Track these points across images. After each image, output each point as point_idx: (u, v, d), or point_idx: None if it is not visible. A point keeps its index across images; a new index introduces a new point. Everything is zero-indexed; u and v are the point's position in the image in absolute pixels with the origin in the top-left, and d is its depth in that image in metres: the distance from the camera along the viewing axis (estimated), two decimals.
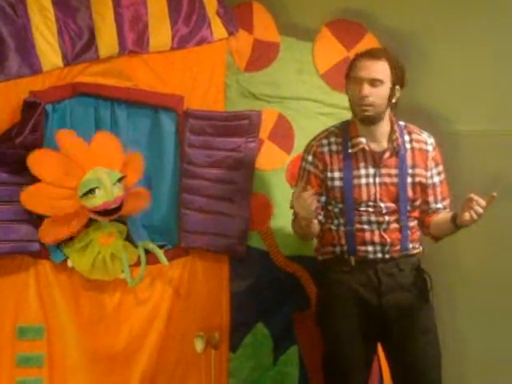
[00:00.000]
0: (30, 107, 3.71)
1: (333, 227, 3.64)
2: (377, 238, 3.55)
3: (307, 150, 3.70)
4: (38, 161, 3.72)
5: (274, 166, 4.10)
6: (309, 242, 3.86)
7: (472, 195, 3.36)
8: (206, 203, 3.97)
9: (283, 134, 4.10)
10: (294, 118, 4.11)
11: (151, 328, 3.96)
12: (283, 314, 4.06)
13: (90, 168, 3.76)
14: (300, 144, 4.06)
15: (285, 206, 3.80)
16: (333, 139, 3.63)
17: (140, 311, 3.97)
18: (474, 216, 3.37)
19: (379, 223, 3.55)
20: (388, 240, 3.54)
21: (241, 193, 3.98)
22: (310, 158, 3.67)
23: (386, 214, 3.55)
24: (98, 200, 3.72)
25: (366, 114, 3.50)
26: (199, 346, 3.87)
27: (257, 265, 4.05)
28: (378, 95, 3.48)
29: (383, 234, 3.55)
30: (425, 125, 3.77)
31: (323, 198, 3.65)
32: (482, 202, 3.34)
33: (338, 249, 3.63)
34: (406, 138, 3.62)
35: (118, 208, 3.77)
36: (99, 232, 3.84)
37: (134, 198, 3.85)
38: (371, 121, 3.53)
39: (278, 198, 4.05)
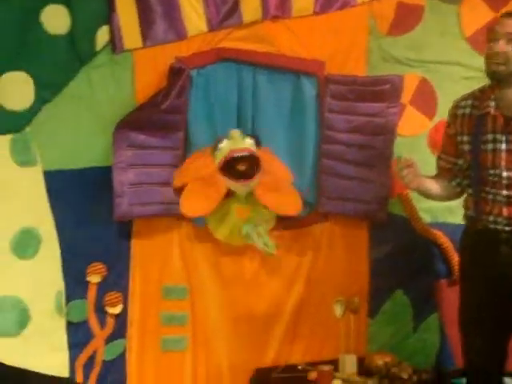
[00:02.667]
0: (175, 72, 3.79)
1: (470, 191, 3.55)
2: (496, 210, 3.38)
3: (448, 111, 3.61)
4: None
5: (416, 131, 4.03)
6: (453, 209, 3.82)
7: None
8: (346, 169, 3.96)
9: (426, 98, 4.02)
10: (437, 82, 4.01)
11: (290, 292, 4.03)
12: (423, 282, 4.01)
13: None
14: (443, 109, 3.96)
15: (426, 172, 3.74)
16: (470, 101, 3.48)
17: (279, 275, 4.03)
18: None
19: (498, 195, 3.37)
20: (505, 213, 3.35)
21: (381, 158, 3.94)
22: (448, 118, 3.59)
23: (508, 186, 3.35)
24: (225, 149, 3.77)
25: (496, 69, 3.31)
26: (338, 310, 3.88)
27: (397, 231, 4.01)
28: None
29: (503, 206, 3.36)
30: None
31: (460, 161, 3.56)
32: None
33: (469, 213, 3.52)
34: None
35: (250, 173, 3.79)
36: (236, 204, 3.90)
37: (281, 195, 3.88)
38: (501, 79, 3.33)
39: (419, 164, 3.94)
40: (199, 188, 3.82)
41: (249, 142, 3.83)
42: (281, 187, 3.89)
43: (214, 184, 3.82)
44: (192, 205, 3.83)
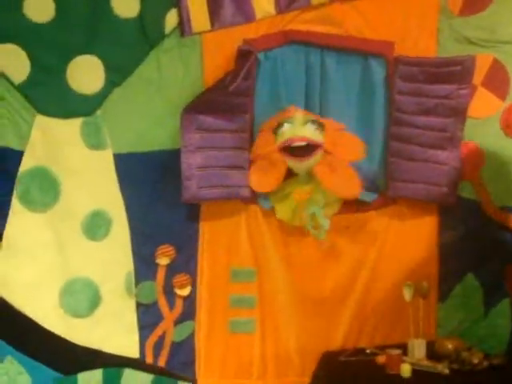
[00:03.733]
0: (243, 55, 3.79)
1: None
2: None
3: None
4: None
5: (487, 113, 3.92)
6: None
7: None
8: (415, 151, 3.89)
9: (498, 79, 3.90)
10: (510, 62, 3.92)
11: (359, 275, 4.00)
12: (495, 266, 3.92)
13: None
14: None
15: (497, 155, 3.67)
16: None
17: (346, 259, 4.00)
18: None
19: None
20: None
21: (452, 141, 3.86)
22: None
23: None
24: (286, 135, 3.76)
25: None
26: (407, 294, 3.84)
27: (467, 215, 3.93)
28: None
29: None
30: None
31: None
32: None
33: None
34: None
35: (306, 152, 3.77)
36: (296, 186, 3.89)
37: (341, 176, 3.82)
38: None
39: (491, 147, 3.89)
40: (264, 165, 3.84)
41: (310, 129, 3.79)
42: (341, 168, 3.83)
43: (275, 162, 3.83)
44: (258, 181, 3.86)
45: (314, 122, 3.81)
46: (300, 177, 3.89)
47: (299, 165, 3.84)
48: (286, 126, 3.79)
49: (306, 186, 3.89)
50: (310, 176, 3.88)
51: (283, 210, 3.92)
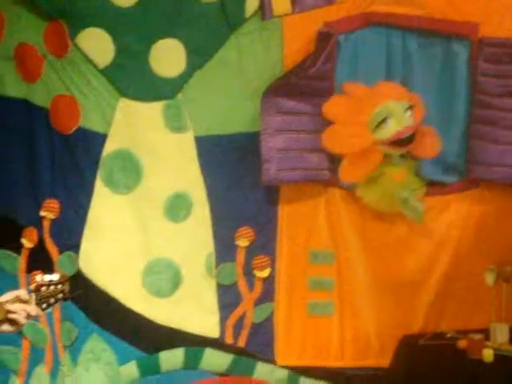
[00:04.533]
0: (323, 38, 3.78)
1: None
2: None
3: None
4: (331, 106, 3.77)
5: None
6: None
7: None
8: (498, 134, 3.83)
9: None
10: None
11: (439, 259, 3.96)
12: None
13: (378, 104, 3.76)
14: None
15: None
16: None
17: (427, 242, 3.97)
18: None
19: None
20: None
21: None
22: None
23: None
24: (391, 129, 3.72)
25: None
26: (490, 279, 3.79)
27: None
28: None
29: None
30: None
31: None
32: None
33: None
34: None
35: (410, 139, 3.75)
36: (392, 167, 3.85)
37: (425, 139, 3.80)
38: None
39: None
40: (356, 159, 3.79)
41: (409, 117, 3.74)
42: (421, 130, 3.81)
43: (369, 155, 3.78)
44: (349, 173, 3.83)
45: (409, 108, 3.75)
46: (394, 159, 3.85)
47: (400, 151, 3.82)
48: (390, 121, 3.72)
49: (399, 167, 3.87)
50: (402, 157, 3.86)
51: (371, 195, 3.88)
